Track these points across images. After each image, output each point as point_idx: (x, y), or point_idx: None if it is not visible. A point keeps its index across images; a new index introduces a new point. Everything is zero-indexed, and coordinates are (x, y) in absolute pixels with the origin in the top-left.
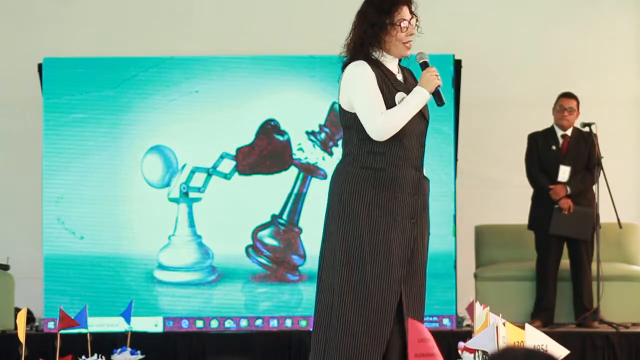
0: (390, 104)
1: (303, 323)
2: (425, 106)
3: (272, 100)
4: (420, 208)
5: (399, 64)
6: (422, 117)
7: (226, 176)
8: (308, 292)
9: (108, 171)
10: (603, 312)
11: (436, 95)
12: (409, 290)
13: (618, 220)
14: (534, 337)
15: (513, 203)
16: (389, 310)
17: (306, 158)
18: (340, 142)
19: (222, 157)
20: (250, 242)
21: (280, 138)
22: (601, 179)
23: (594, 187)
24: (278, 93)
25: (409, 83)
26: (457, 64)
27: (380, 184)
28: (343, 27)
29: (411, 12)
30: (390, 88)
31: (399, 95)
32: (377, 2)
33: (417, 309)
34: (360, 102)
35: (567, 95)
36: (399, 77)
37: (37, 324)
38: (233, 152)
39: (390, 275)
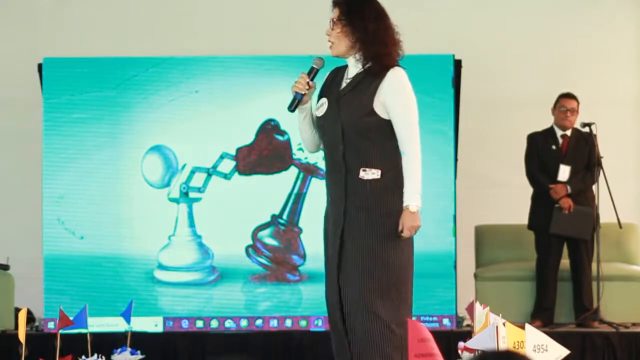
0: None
1: (303, 323)
2: (342, 106)
3: (272, 100)
4: (349, 210)
5: (365, 66)
6: (335, 119)
7: (226, 176)
8: (308, 292)
9: (108, 171)
10: (603, 312)
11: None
12: (345, 288)
13: (618, 220)
14: (534, 337)
15: (513, 203)
16: (329, 304)
17: (306, 158)
18: None
19: (222, 157)
20: (250, 242)
21: (280, 138)
22: (601, 178)
23: (594, 187)
24: (278, 93)
25: (354, 86)
26: (457, 64)
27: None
28: None
29: (338, 12)
30: (323, 94)
31: (320, 102)
32: None
33: (352, 308)
34: None
35: (568, 96)
36: (346, 82)
37: (37, 324)
38: (233, 152)
39: (327, 274)
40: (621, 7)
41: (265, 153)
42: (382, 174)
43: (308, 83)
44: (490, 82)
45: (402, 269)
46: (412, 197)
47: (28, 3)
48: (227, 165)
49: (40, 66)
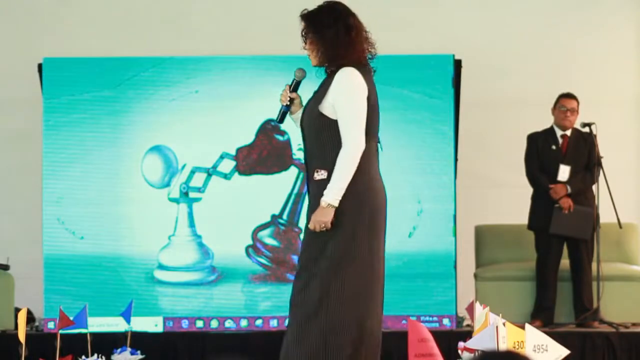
0: None
1: None
2: (305, 111)
3: (272, 100)
4: (308, 213)
5: (329, 71)
6: (301, 123)
7: (226, 176)
8: None
9: (108, 171)
10: (603, 312)
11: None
12: None
13: (618, 220)
14: (534, 337)
15: (513, 203)
16: None
17: None
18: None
19: (222, 157)
20: (250, 242)
21: (280, 138)
22: (601, 178)
23: (594, 187)
24: (278, 93)
25: (316, 91)
26: (457, 64)
27: None
28: None
29: (304, 27)
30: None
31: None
32: None
33: None
34: None
35: (568, 96)
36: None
37: (37, 324)
38: (233, 152)
39: None
40: (621, 7)
41: (265, 153)
42: (327, 175)
43: (290, 95)
44: (490, 82)
45: (331, 269)
46: (328, 193)
47: (28, 3)
48: (227, 165)
49: (40, 66)
